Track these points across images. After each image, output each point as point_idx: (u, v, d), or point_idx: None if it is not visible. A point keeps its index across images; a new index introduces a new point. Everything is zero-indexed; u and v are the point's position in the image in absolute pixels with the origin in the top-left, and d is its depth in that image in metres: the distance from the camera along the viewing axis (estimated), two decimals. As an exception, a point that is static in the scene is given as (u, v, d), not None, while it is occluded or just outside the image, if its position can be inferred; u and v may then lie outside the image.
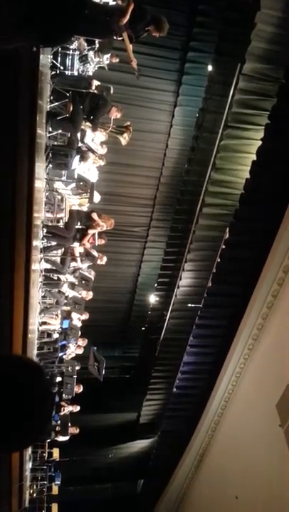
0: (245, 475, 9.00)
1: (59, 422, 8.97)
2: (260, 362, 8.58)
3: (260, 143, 7.43)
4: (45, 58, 5.16)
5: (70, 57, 6.68)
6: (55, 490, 9.67)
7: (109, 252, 8.73)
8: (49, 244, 6.90)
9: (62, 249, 7.21)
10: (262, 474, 8.42)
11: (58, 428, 8.97)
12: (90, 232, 6.91)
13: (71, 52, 6.68)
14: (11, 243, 4.42)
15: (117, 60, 7.93)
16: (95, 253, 7.55)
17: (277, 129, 6.99)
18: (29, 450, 8.06)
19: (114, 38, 4.79)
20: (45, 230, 6.50)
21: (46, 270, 7.17)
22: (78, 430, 9.23)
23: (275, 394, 7.85)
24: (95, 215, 6.82)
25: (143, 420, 12.37)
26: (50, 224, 6.97)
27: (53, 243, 6.92)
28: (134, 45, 4.94)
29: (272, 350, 8.18)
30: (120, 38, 4.69)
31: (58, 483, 9.77)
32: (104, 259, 7.76)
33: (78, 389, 8.89)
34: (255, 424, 8.68)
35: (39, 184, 5.29)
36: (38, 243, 5.93)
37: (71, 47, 6.62)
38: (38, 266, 6.34)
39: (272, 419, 7.87)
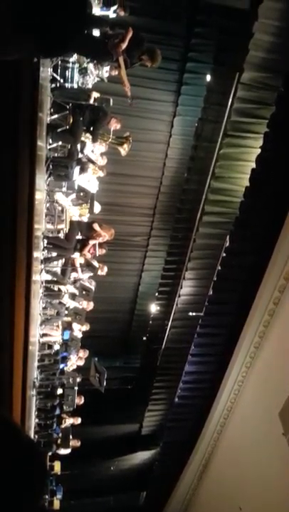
0: (248, 485, 8.89)
1: (60, 434, 8.89)
2: (262, 370, 8.52)
3: (259, 151, 7.45)
4: (46, 71, 5.19)
5: (70, 70, 6.72)
6: (56, 504, 9.56)
7: (109, 262, 8.71)
8: (50, 255, 6.88)
9: (63, 260, 7.19)
10: (266, 484, 8.32)
11: (59, 441, 8.89)
12: (91, 242, 6.90)
13: (71, 65, 6.73)
14: (11, 254, 4.40)
15: (117, 73, 7.98)
16: (95, 263, 7.52)
17: (277, 136, 7.01)
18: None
19: (111, 60, 4.82)
20: (45, 241, 6.48)
21: (47, 281, 7.14)
22: (80, 443, 9.14)
23: (277, 402, 7.78)
24: (96, 226, 6.82)
25: (145, 431, 12.27)
26: (50, 235, 6.96)
27: (54, 254, 6.90)
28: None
29: (275, 358, 8.13)
30: (116, 64, 4.73)
31: (60, 497, 9.65)
32: (105, 269, 7.74)
33: (79, 401, 8.82)
34: (258, 433, 8.59)
35: (39, 195, 5.28)
36: (38, 254, 5.91)
37: (71, 60, 6.67)
38: (39, 277, 6.31)
39: (275, 427, 7.79)
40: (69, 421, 8.95)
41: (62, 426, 8.88)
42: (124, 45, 3.96)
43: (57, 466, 9.48)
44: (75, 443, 9.03)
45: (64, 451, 9.05)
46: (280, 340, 7.95)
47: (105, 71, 7.34)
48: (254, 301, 8.03)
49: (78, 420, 9.14)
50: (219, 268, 8.99)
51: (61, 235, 7.13)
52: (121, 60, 4.14)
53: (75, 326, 8.24)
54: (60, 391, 8.64)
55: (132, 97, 5.87)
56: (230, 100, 7.85)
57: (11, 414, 4.94)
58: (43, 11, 2.06)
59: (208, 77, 8.85)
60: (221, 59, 8.45)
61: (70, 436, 8.90)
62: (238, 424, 9.49)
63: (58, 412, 8.80)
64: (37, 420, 8.29)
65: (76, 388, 8.49)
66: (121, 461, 12.41)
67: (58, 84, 6.47)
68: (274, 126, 7.06)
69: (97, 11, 6.61)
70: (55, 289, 7.58)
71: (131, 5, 7.50)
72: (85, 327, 8.44)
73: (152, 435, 12.26)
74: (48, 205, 6.70)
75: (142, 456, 12.55)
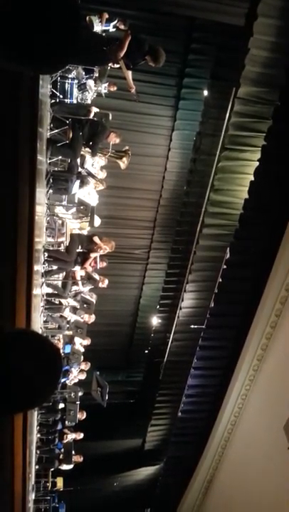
0: (254, 500, 8.74)
1: (62, 450, 8.80)
2: (266, 383, 8.46)
3: (257, 164, 7.53)
4: (45, 87, 5.29)
5: (69, 85, 6.85)
6: (59, 522, 9.39)
7: (110, 275, 8.72)
8: (50, 269, 6.90)
9: (64, 273, 7.21)
10: (272, 499, 8.17)
11: (61, 456, 8.79)
12: (92, 255, 6.93)
13: (70, 81, 6.86)
14: (12, 268, 4.42)
15: (115, 88, 8.13)
16: (96, 276, 7.54)
17: (274, 149, 7.09)
18: (32, 480, 7.84)
19: (111, 65, 4.94)
20: (46, 255, 6.51)
21: (48, 295, 7.15)
22: (82, 458, 9.03)
23: (282, 415, 7.70)
24: (96, 239, 6.85)
25: (148, 446, 12.10)
26: (51, 248, 7.00)
27: (55, 267, 6.93)
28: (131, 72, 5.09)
29: (278, 370, 8.07)
30: (117, 66, 4.84)
31: (62, 514, 9.50)
32: (106, 282, 7.75)
33: (81, 415, 8.74)
34: (262, 448, 8.48)
35: (40, 209, 5.32)
36: (39, 268, 5.93)
37: (70, 76, 6.80)
38: (40, 291, 6.32)
39: (280, 441, 7.70)
40: (71, 436, 8.86)
41: (65, 441, 8.80)
42: (122, 52, 4.04)
43: (59, 482, 9.35)
44: (77, 458, 8.93)
45: (66, 467, 8.94)
46: (283, 352, 7.91)
47: (104, 87, 7.47)
48: (256, 313, 8.02)
49: (80, 435, 9.06)
50: (220, 280, 8.98)
51: (62, 248, 7.16)
52: (122, 64, 4.23)
53: (77, 339, 8.22)
54: (61, 405, 8.57)
55: (137, 93, 5.98)
56: (227, 114, 7.95)
57: (12, 429, 4.90)
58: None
59: (206, 92, 9.00)
60: (218, 74, 8.60)
61: (73, 452, 8.81)
62: (242, 437, 9.37)
63: (60, 427, 8.73)
64: (39, 435, 8.22)
65: (78, 403, 8.42)
66: (124, 477, 12.22)
67: (57, 100, 6.59)
68: (271, 139, 7.15)
69: (97, 27, 6.75)
70: (56, 302, 7.58)
71: (129, 22, 7.67)
72: (86, 342, 8.42)
73: (156, 450, 12.08)
74: (48, 218, 6.75)
75: (145, 472, 12.36)
